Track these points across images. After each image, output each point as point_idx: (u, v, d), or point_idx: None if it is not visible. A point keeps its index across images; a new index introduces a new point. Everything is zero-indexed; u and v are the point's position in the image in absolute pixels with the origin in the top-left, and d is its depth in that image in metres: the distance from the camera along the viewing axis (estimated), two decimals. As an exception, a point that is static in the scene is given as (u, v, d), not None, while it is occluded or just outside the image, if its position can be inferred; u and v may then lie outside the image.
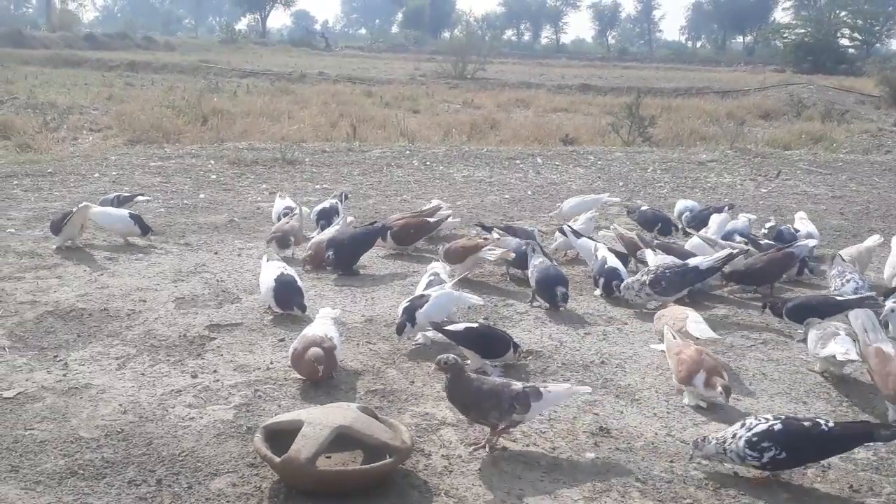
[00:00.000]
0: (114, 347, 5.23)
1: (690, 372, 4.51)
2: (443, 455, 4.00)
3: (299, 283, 5.93)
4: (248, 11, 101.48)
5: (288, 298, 5.76)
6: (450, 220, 8.05)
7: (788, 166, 14.21)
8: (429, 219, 7.96)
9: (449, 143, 16.67)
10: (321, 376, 4.61)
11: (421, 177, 12.40)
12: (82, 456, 3.88)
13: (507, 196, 11.11)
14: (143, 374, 4.83)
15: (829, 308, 5.61)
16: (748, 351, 5.57)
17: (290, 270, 6.00)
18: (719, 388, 4.37)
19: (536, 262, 6.40)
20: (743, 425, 3.78)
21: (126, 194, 8.95)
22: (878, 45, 64.32)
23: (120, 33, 58.97)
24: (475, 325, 5.25)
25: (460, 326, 5.17)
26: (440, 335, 5.24)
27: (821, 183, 12.91)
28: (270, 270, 5.92)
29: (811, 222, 8.38)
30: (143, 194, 9.43)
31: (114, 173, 11.52)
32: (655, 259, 6.59)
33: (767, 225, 8.17)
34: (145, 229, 7.74)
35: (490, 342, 5.11)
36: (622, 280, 6.43)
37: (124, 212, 7.90)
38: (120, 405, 4.41)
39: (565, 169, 13.49)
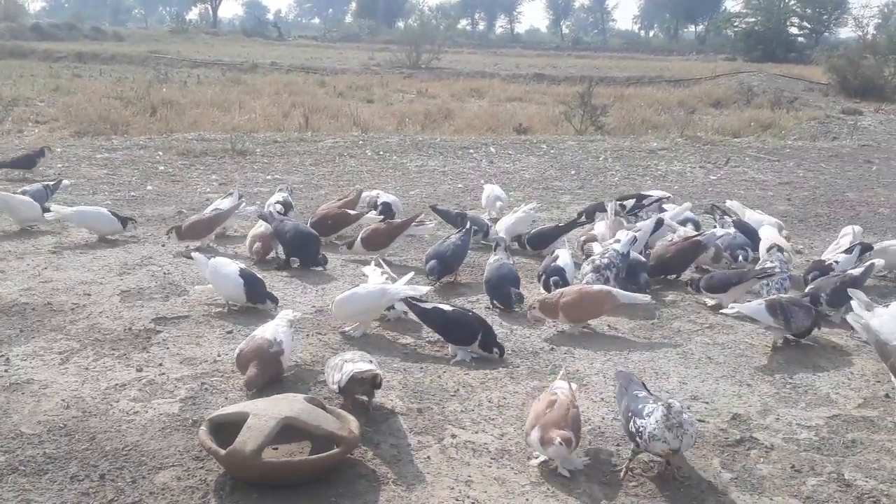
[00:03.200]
0: (57, 342, 5.13)
1: (530, 426, 3.81)
2: (391, 444, 3.99)
3: (259, 275, 5.96)
4: (198, 1, 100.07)
5: (260, 293, 5.74)
6: (370, 214, 8.03)
7: (737, 153, 14.43)
8: (349, 211, 7.90)
9: (403, 132, 16.64)
10: (255, 384, 4.49)
11: (374, 166, 12.36)
12: (24, 452, 3.80)
13: (460, 185, 11.12)
14: (86, 369, 4.74)
15: (734, 278, 6.15)
16: (694, 335, 5.64)
17: (241, 264, 5.99)
18: (557, 440, 3.63)
19: (492, 259, 6.28)
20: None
21: (49, 183, 8.81)
22: (826, 33, 65.31)
23: (67, 24, 57.84)
24: (445, 308, 5.21)
25: (429, 305, 5.21)
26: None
27: (769, 169, 13.12)
28: (227, 266, 5.83)
29: (749, 209, 8.39)
30: (62, 179, 9.34)
31: (59, 166, 11.30)
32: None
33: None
34: (124, 222, 7.61)
35: (450, 327, 5.11)
36: (563, 278, 6.16)
37: (104, 209, 7.75)
38: (63, 400, 4.33)
39: (518, 158, 13.54)
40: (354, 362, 4.23)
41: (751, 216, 7.95)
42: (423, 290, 5.56)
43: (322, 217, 7.67)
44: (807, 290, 6.14)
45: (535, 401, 3.98)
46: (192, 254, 6.09)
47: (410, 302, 5.24)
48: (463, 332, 5.09)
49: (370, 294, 5.41)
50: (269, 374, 4.53)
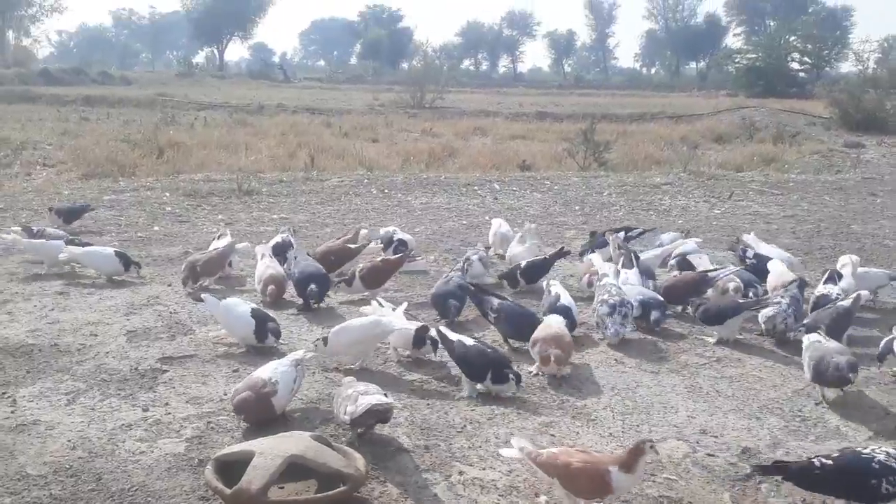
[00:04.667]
0: (63, 383, 5.13)
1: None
2: (398, 482, 3.96)
3: (270, 314, 5.95)
4: (205, 45, 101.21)
5: (265, 331, 5.72)
6: (371, 245, 8.12)
7: (741, 187, 14.47)
8: (350, 245, 7.94)
9: (407, 171, 16.72)
10: (243, 419, 4.50)
11: (379, 204, 12.41)
12: (29, 493, 3.79)
13: (464, 222, 11.15)
14: (92, 409, 4.73)
15: (730, 310, 6.20)
16: (702, 369, 5.62)
17: (252, 304, 6.00)
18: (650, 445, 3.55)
19: (496, 304, 6.12)
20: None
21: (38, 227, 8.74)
22: (827, 68, 65.66)
23: (75, 69, 58.39)
24: (468, 342, 5.19)
25: (454, 337, 5.24)
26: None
27: (772, 203, 13.14)
28: (239, 307, 5.84)
29: (764, 242, 8.40)
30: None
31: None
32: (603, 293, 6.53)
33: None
34: (127, 265, 7.60)
35: (466, 363, 5.11)
36: (571, 318, 6.05)
37: (109, 250, 7.76)
38: (69, 441, 4.32)
39: (522, 194, 13.59)
40: (370, 395, 4.24)
41: (765, 250, 7.95)
42: (416, 324, 5.55)
43: (325, 253, 7.68)
44: (804, 321, 6.09)
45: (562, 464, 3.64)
46: (203, 295, 6.09)
47: (441, 332, 5.31)
48: (475, 367, 5.05)
49: (363, 326, 5.42)
50: (258, 414, 4.48)
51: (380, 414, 4.23)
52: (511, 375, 5.00)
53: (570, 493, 3.63)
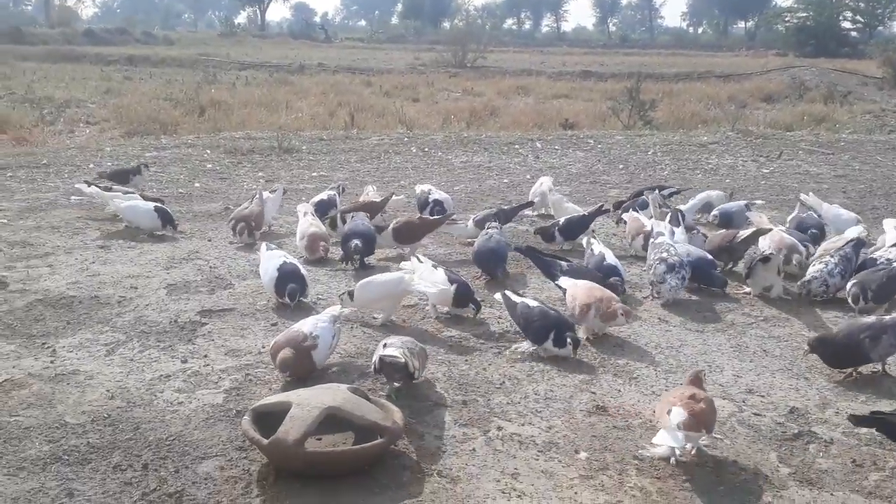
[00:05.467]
0: (103, 334, 5.14)
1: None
2: (436, 436, 3.91)
3: (302, 271, 5.81)
4: (247, 5, 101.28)
5: (284, 290, 5.60)
6: (394, 198, 8.15)
7: (790, 147, 14.11)
8: (374, 199, 7.92)
9: (448, 129, 16.57)
10: (288, 377, 4.42)
11: (419, 163, 12.31)
12: (67, 441, 3.80)
13: (505, 180, 11.01)
14: (132, 360, 4.74)
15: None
16: (749, 328, 5.47)
17: (292, 259, 5.90)
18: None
19: (565, 265, 5.88)
20: None
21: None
22: (880, 27, 63.89)
23: (119, 29, 58.85)
24: (532, 303, 5.06)
25: (518, 299, 5.15)
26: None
27: (823, 163, 12.81)
28: (273, 258, 5.80)
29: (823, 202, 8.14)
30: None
31: (108, 164, 11.41)
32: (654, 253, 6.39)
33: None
34: (166, 221, 7.61)
35: (525, 325, 4.99)
36: (621, 277, 5.98)
37: (150, 205, 7.76)
38: (107, 391, 4.32)
39: (565, 153, 13.39)
40: (386, 347, 4.23)
41: (827, 210, 7.77)
42: (442, 287, 5.40)
43: (350, 210, 7.62)
44: (850, 285, 5.84)
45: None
46: (263, 243, 6.15)
47: (505, 295, 5.21)
48: (537, 328, 4.91)
49: (386, 282, 5.39)
50: (301, 368, 4.43)
51: (394, 366, 4.19)
52: (569, 339, 4.85)
53: (709, 433, 3.75)
